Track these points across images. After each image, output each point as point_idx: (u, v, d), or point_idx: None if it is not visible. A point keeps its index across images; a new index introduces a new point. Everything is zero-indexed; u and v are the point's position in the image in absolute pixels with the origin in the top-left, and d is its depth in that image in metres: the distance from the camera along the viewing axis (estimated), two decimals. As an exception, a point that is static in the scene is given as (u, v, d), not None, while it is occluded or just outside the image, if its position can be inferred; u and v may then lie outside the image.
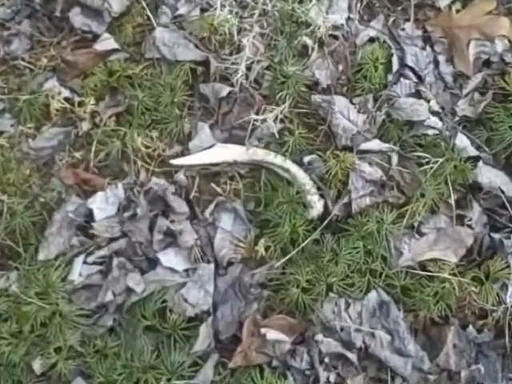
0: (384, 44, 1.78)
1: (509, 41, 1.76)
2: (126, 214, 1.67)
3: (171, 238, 1.68)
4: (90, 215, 1.68)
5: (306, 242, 1.61)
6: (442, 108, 1.75)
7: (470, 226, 1.70)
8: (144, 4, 1.84)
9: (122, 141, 1.72)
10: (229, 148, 1.71)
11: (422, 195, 1.65)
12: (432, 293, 1.56)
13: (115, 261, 1.65)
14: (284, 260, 1.62)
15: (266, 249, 1.62)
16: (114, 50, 1.81)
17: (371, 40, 1.79)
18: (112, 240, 1.66)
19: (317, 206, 1.66)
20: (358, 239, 1.60)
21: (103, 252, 1.67)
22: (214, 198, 1.68)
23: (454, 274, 1.65)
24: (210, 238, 1.68)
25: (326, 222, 1.63)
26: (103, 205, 1.69)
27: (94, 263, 1.67)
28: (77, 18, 1.87)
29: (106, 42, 1.84)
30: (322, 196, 1.67)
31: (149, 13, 1.84)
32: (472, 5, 1.82)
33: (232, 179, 1.71)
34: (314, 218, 1.66)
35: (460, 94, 1.77)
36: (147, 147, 1.73)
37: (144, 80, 1.76)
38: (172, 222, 1.67)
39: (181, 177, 1.72)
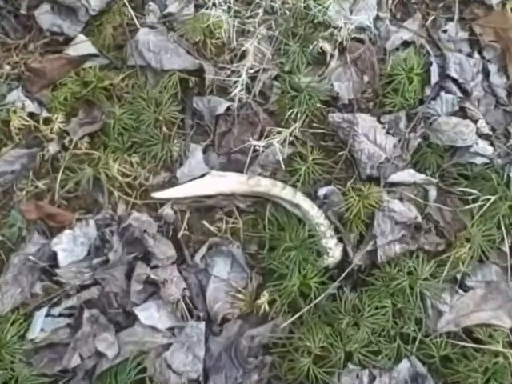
0: (421, 49, 1.62)
1: None
2: (97, 260, 1.49)
3: (153, 288, 1.49)
4: (55, 258, 1.49)
5: (319, 297, 1.42)
6: (493, 130, 1.58)
7: (528, 280, 1.47)
8: (125, 0, 1.63)
9: (95, 167, 1.54)
10: (226, 177, 1.53)
11: (468, 240, 1.46)
12: (481, 369, 1.31)
13: (86, 313, 1.47)
14: (292, 319, 1.42)
15: (271, 303, 1.45)
16: (91, 56, 1.63)
17: (405, 44, 1.63)
18: (83, 288, 1.48)
19: (334, 253, 1.47)
20: (385, 296, 1.42)
21: (72, 302, 1.49)
22: (207, 239, 1.51)
23: (510, 343, 1.41)
24: (201, 288, 1.50)
25: (345, 274, 1.44)
26: (70, 246, 1.50)
27: (60, 315, 1.49)
28: (44, 17, 1.66)
29: (81, 46, 1.64)
30: (340, 240, 1.49)
31: (131, 10, 1.63)
32: (532, 2, 1.60)
33: (229, 215, 1.53)
34: (330, 267, 1.48)
35: (515, 112, 1.58)
36: (126, 175, 1.56)
37: (124, 93, 1.60)
38: (155, 267, 1.48)
39: (167, 211, 1.53)
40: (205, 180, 1.54)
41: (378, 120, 1.56)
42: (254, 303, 1.46)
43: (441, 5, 1.71)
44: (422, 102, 1.58)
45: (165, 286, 1.46)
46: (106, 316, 1.48)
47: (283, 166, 1.49)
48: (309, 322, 1.42)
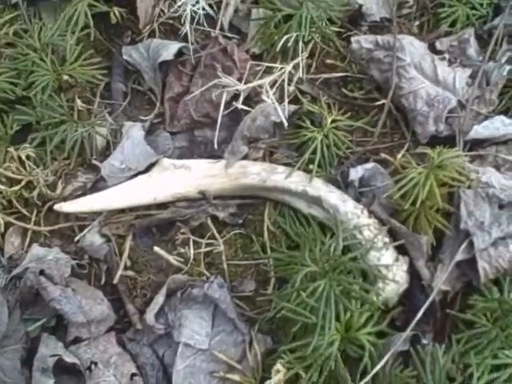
0: None
1: None
2: None
3: (76, 381, 1.05)
4: None
5: (381, 362, 0.95)
6: None
7: None
8: None
9: None
10: (188, 167, 1.13)
11: None
12: None
13: None
14: None
15: (291, 382, 1.02)
16: None
17: None
18: None
19: (394, 275, 1.03)
20: (503, 345, 0.95)
21: None
22: (166, 279, 1.11)
23: None
24: (164, 370, 1.07)
25: (421, 312, 0.98)
26: None
27: None
28: None
29: None
30: (402, 251, 1.06)
31: None
32: None
33: (201, 233, 1.14)
34: (390, 302, 1.04)
35: None
36: (14, 182, 1.14)
37: (3, 46, 1.20)
38: (75, 341, 1.05)
39: (91, 239, 1.13)
40: (152, 176, 1.13)
41: (432, 46, 1.21)
42: (259, 386, 1.09)
43: None
44: (499, 9, 1.24)
45: (93, 376, 1.01)
46: None
47: (286, 123, 1.08)
48: (365, 410, 0.98)
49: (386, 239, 1.05)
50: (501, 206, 1.03)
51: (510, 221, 1.02)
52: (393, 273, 1.03)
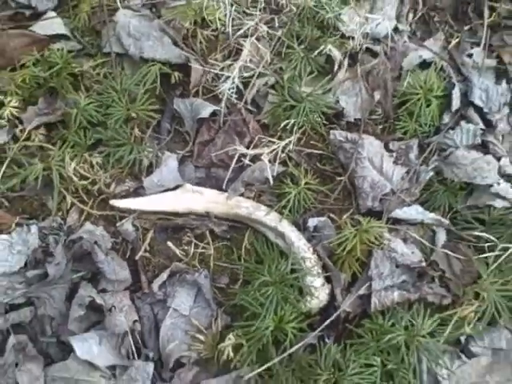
0: (441, 73, 1.54)
1: None
2: (34, 273, 1.34)
3: (98, 316, 1.36)
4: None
5: (295, 347, 1.27)
6: (518, 170, 1.44)
7: (546, 351, 1.32)
8: (108, -23, 1.53)
9: (47, 164, 1.41)
10: (202, 193, 1.43)
11: (477, 297, 1.32)
12: None
13: (12, 339, 1.33)
14: (259, 370, 1.26)
15: (236, 349, 1.30)
16: (60, 37, 1.54)
17: (423, 65, 1.55)
18: (12, 307, 1.35)
19: (319, 294, 1.34)
20: (374, 353, 1.27)
21: (-3, 323, 1.33)
22: (171, 264, 1.39)
23: (519, 426, 1.26)
24: (155, 323, 1.37)
25: (329, 321, 1.30)
26: (4, 254, 1.35)
27: (-21, 338, 1.33)
28: (11, -16, 1.54)
29: (50, 24, 1.53)
30: (328, 280, 1.36)
31: (112, -13, 1.51)
32: None
33: (200, 239, 1.42)
34: (312, 311, 1.35)
35: (546, 152, 1.47)
36: (84, 178, 1.43)
37: (94, 82, 1.50)
38: (103, 291, 1.36)
39: (127, 227, 1.42)
40: (176, 194, 1.43)
41: (386, 147, 1.48)
42: (216, 347, 1.32)
43: (466, 28, 1.63)
44: (438, 130, 1.50)
45: (111, 315, 1.32)
46: (36, 345, 1.35)
47: (271, 181, 1.38)
48: (279, 375, 1.27)
49: (319, 270, 1.35)
50: (397, 266, 1.33)
51: (399, 276, 1.31)
52: (318, 293, 1.33)
